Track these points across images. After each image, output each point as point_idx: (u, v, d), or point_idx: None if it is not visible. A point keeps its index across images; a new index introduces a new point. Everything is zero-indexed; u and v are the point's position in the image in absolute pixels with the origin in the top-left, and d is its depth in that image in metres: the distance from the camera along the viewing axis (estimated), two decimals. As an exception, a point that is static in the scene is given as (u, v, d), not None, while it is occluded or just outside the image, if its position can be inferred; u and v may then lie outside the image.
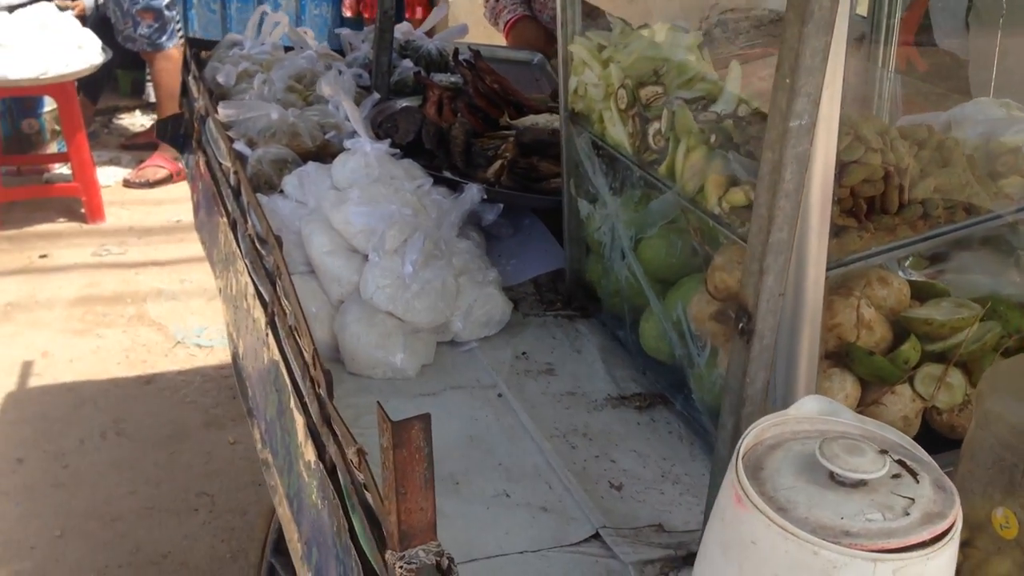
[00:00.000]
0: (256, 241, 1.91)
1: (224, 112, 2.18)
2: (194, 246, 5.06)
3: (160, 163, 5.58)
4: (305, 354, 1.58)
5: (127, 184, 5.58)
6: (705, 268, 1.61)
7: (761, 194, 1.15)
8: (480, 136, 2.37)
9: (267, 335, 1.84)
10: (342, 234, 1.82)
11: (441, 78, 2.71)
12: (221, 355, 4.20)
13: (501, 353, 1.83)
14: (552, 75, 3.05)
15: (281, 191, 2.06)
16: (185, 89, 2.73)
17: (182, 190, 5.64)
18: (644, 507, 1.46)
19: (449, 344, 1.85)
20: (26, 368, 3.99)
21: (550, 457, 1.56)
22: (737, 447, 1.06)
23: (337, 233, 1.83)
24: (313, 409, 1.52)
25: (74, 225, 5.18)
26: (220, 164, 2.25)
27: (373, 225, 1.79)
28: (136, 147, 6.03)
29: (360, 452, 1.30)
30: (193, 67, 2.58)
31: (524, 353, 1.84)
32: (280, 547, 2.37)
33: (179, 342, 4.26)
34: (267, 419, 1.89)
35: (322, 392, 1.50)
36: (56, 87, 4.98)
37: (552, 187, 2.10)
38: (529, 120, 2.40)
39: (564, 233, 2.00)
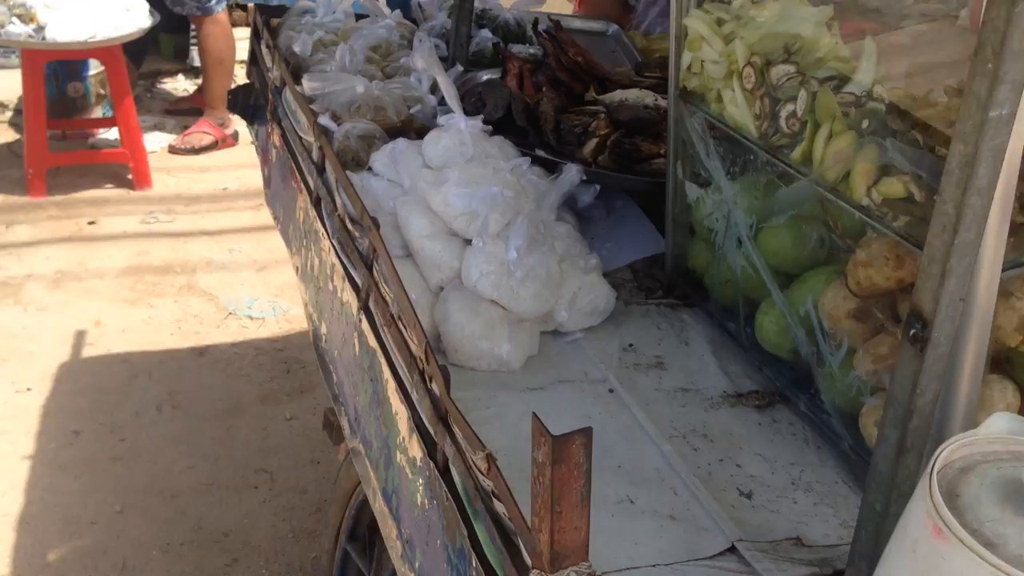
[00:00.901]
0: (347, 221, 1.83)
1: (308, 85, 2.08)
2: (242, 215, 5.03)
3: (205, 129, 5.50)
4: (413, 346, 1.49)
5: (172, 150, 5.51)
6: (839, 262, 1.51)
7: (947, 190, 1.05)
8: (565, 112, 2.26)
9: (359, 321, 1.76)
10: (441, 217, 1.73)
11: (520, 49, 2.61)
12: (273, 327, 4.15)
13: (607, 344, 1.74)
14: (629, 46, 2.94)
15: (369, 168, 1.97)
16: (254, 58, 2.64)
17: (228, 157, 5.58)
18: (778, 518, 1.37)
19: (552, 334, 1.76)
20: (79, 338, 3.94)
21: (672, 460, 1.47)
22: (929, 470, 0.97)
23: (436, 216, 1.73)
24: (423, 405, 1.44)
25: (121, 191, 5.11)
26: (300, 138, 2.16)
27: (474, 208, 1.70)
28: (180, 112, 5.95)
29: (490, 458, 1.22)
30: (266, 35, 2.49)
31: (631, 345, 1.75)
32: (355, 534, 2.31)
33: (231, 313, 4.20)
34: (357, 407, 1.82)
35: (435, 388, 1.42)
36: (104, 51, 4.90)
37: (653, 168, 2.00)
38: (618, 95, 2.29)
39: (666, 217, 1.90)
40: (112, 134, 5.33)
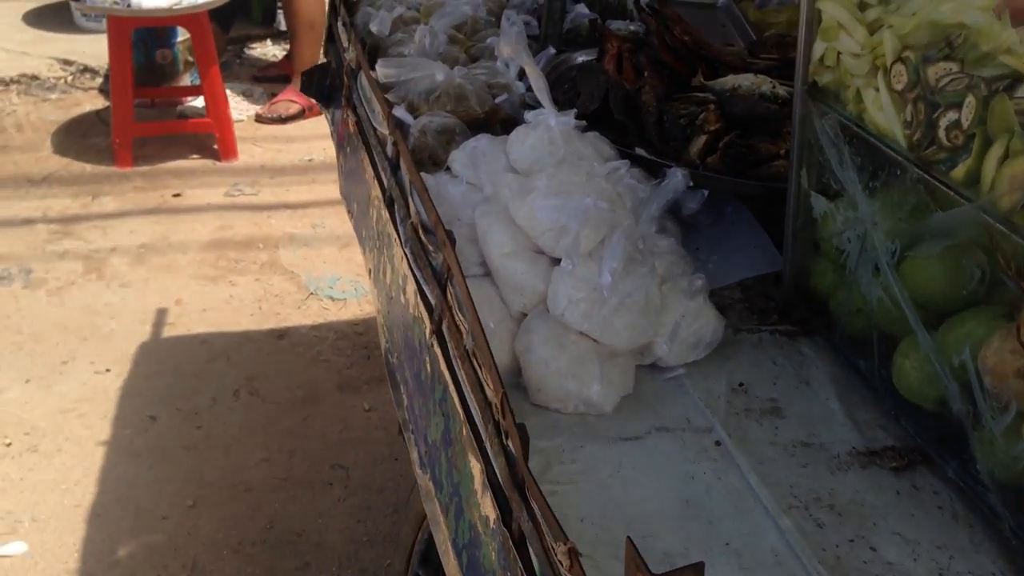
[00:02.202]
0: (420, 231, 1.62)
1: (383, 71, 1.87)
2: (326, 188, 4.87)
3: (292, 98, 5.35)
4: (488, 391, 1.28)
5: (259, 119, 5.39)
6: (1003, 303, 1.24)
7: None
8: (669, 99, 2.01)
9: (432, 345, 1.55)
10: (526, 231, 1.51)
11: (619, 26, 2.35)
12: (354, 309, 4.00)
13: (714, 383, 1.50)
14: (741, 20, 2.65)
15: (448, 168, 1.75)
16: (332, 35, 2.44)
17: (315, 126, 5.43)
18: (924, 622, 1.13)
19: (649, 369, 1.52)
20: (160, 317, 3.84)
21: (792, 539, 1.23)
22: None
23: (519, 230, 1.51)
24: (498, 462, 1.23)
25: (207, 162, 5.01)
26: (375, 130, 1.95)
27: (564, 223, 1.47)
28: (268, 79, 5.83)
29: (573, 553, 1.00)
30: (343, 11, 2.28)
31: (741, 384, 1.50)
32: (428, 558, 2.13)
33: (312, 293, 4.06)
34: (428, 441, 1.62)
35: (511, 446, 1.21)
36: (189, 17, 4.78)
37: (772, 172, 1.73)
38: (729, 81, 2.02)
39: (786, 230, 1.64)
40: (201, 102, 5.23)
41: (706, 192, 1.71)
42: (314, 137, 5.27)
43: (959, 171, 1.21)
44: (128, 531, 2.86)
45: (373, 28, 2.12)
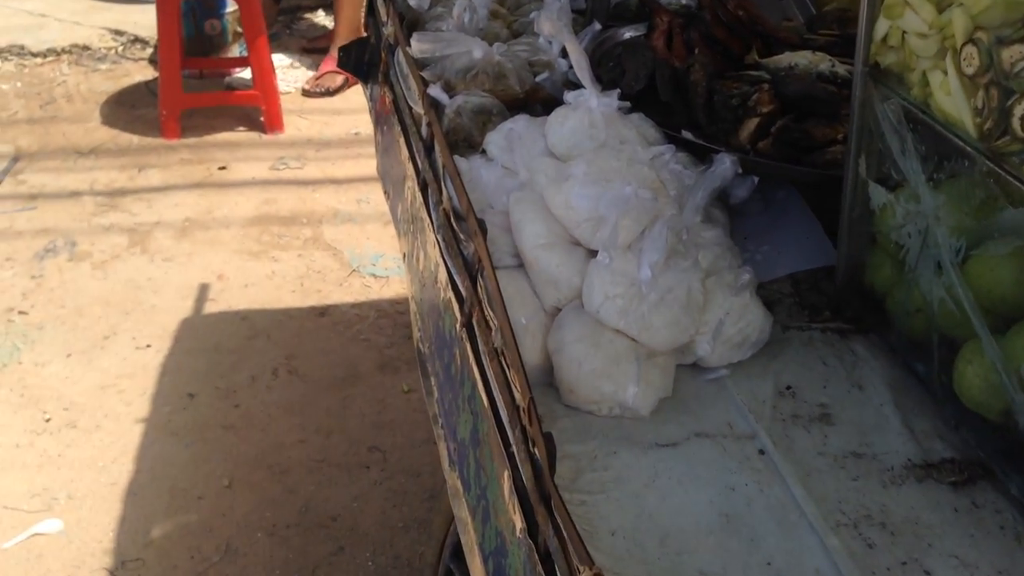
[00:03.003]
0: (452, 218, 1.54)
1: (418, 46, 1.79)
2: (372, 163, 4.74)
3: (333, 69, 5.29)
4: (516, 394, 1.20)
5: (305, 94, 5.33)
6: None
7: None
8: (721, 78, 1.90)
9: (462, 338, 1.48)
10: (562, 221, 1.42)
11: (670, 0, 2.23)
12: (396, 287, 3.94)
13: (759, 386, 1.41)
14: (801, -5, 2.51)
15: (483, 151, 1.67)
16: (372, 8, 2.36)
17: (362, 99, 5.36)
18: (982, 659, 1.04)
19: (690, 369, 1.43)
20: (202, 292, 3.82)
21: (839, 560, 1.14)
22: None
23: (555, 220, 1.42)
24: (525, 470, 1.15)
25: (253, 135, 4.97)
26: (410, 109, 1.87)
27: (603, 212, 1.38)
28: (317, 50, 5.76)
29: (598, 579, 0.93)
30: (380, -17, 2.20)
31: (789, 388, 1.41)
32: (459, 552, 2.06)
33: (354, 270, 4.01)
34: (457, 438, 1.55)
35: (537, 454, 1.13)
36: (238, -12, 4.73)
37: (828, 158, 1.63)
38: (785, 59, 1.91)
39: (841, 222, 1.54)
40: (247, 73, 5.19)
41: (756, 179, 1.61)
42: (362, 110, 5.16)
43: (1035, 165, 1.10)
44: (163, 511, 2.84)
45: (412, 2, 2.03)
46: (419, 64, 1.84)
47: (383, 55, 2.11)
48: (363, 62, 2.34)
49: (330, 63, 5.28)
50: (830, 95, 1.68)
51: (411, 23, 2.08)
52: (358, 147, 4.92)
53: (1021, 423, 1.18)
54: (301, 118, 5.14)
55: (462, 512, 1.51)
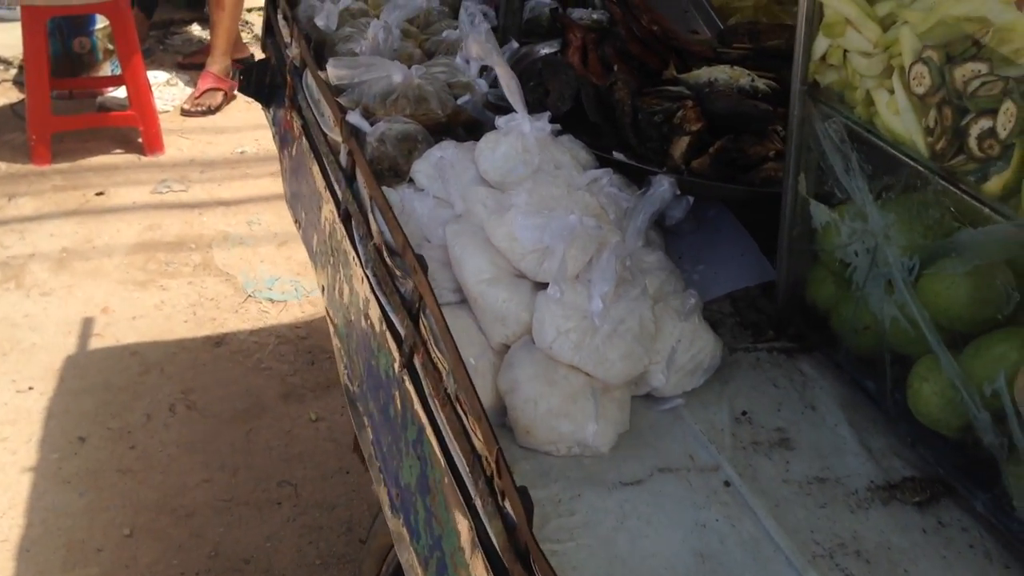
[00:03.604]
0: (385, 253, 1.46)
1: (334, 72, 1.70)
2: (260, 183, 4.66)
3: (212, 85, 5.11)
4: (477, 443, 1.14)
5: (184, 114, 5.13)
6: (1038, 326, 1.14)
7: None
8: (640, 95, 1.87)
9: (402, 380, 1.40)
10: (505, 254, 1.36)
11: (582, 15, 2.20)
12: (295, 312, 3.81)
13: (715, 414, 1.37)
14: (704, 5, 2.52)
15: (410, 180, 1.60)
16: (270, 28, 2.25)
17: (246, 116, 5.19)
18: None
19: (644, 400, 1.39)
20: (86, 327, 3.61)
21: (821, 595, 1.12)
22: None
23: (498, 253, 1.36)
24: (494, 526, 1.09)
25: (131, 157, 4.75)
26: (325, 135, 1.78)
27: (548, 243, 1.33)
28: (194, 66, 5.56)
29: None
30: (282, 2, 2.10)
31: (744, 413, 1.38)
32: (395, 593, 1.98)
33: (249, 296, 3.86)
34: (400, 484, 1.47)
35: (509, 508, 1.07)
36: (108, 4, 4.51)
37: (763, 176, 1.61)
38: (704, 74, 1.90)
39: (780, 241, 1.52)
40: (122, 92, 4.96)
41: (691, 199, 1.59)
42: (246, 127, 5.04)
43: (994, 184, 1.10)
44: (60, 566, 2.66)
45: (319, 23, 1.94)
46: (334, 89, 1.75)
47: (288, 78, 2.02)
48: (264, 84, 2.23)
49: (209, 79, 5.10)
50: (761, 112, 1.67)
51: (319, 44, 1.99)
52: (244, 167, 4.76)
53: (985, 439, 1.18)
54: (182, 138, 4.94)
55: (411, 561, 1.43)
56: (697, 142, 1.66)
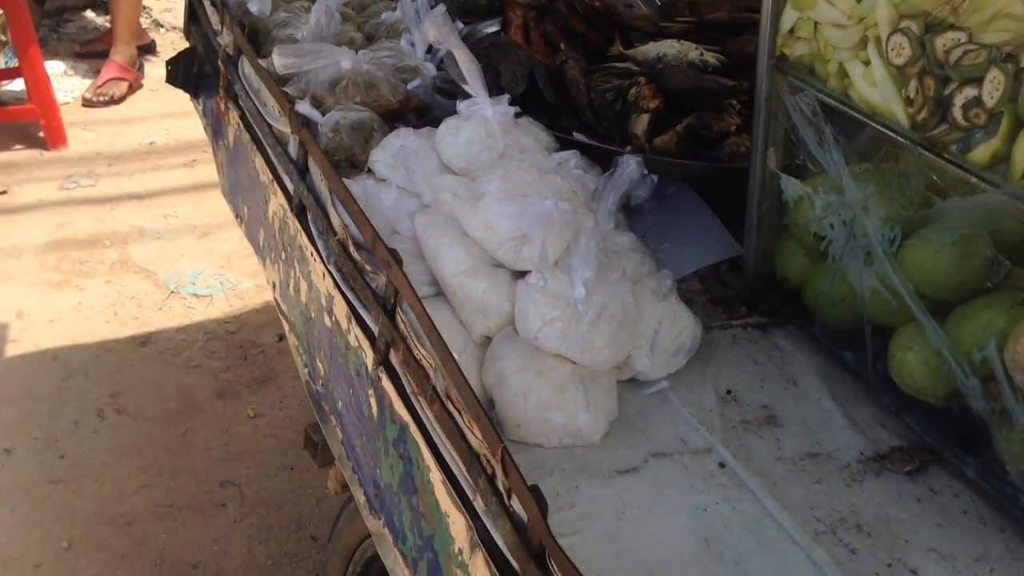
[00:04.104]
0: (352, 248, 1.41)
1: (281, 62, 1.63)
2: (174, 174, 4.50)
3: (116, 75, 4.90)
4: (474, 441, 1.10)
5: (87, 104, 4.92)
6: (1022, 291, 1.15)
7: None
8: (588, 73, 1.84)
9: (378, 377, 1.36)
10: (481, 243, 1.32)
11: (519, -8, 2.16)
12: (223, 306, 3.69)
13: (700, 394, 1.36)
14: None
15: (369, 170, 1.54)
16: (194, 14, 2.16)
17: (151, 105, 5.01)
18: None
19: (629, 385, 1.37)
20: (1, 333, 3.45)
21: (829, 571, 1.12)
22: None
23: (473, 242, 1.32)
24: (500, 527, 1.06)
25: (33, 153, 4.54)
26: (270, 126, 1.71)
27: (525, 230, 1.29)
28: (92, 55, 5.32)
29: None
30: (209, -12, 2.01)
31: (729, 392, 1.37)
32: (364, 591, 1.94)
33: (173, 292, 3.73)
34: (379, 484, 1.43)
35: (516, 507, 1.04)
36: (-1, -7, 4.28)
37: (728, 152, 1.60)
38: (652, 50, 1.88)
39: (749, 215, 1.52)
40: (18, 85, 4.72)
41: (656, 178, 1.57)
42: (153, 117, 4.86)
43: (981, 153, 1.10)
44: (-3, 586, 2.54)
45: (252, 8, 1.86)
46: (278, 78, 1.68)
47: (221, 67, 1.93)
48: (192, 74, 2.13)
49: (113, 68, 4.90)
50: (720, 86, 1.65)
51: (252, 31, 1.91)
52: (155, 158, 4.59)
53: (974, 406, 1.19)
54: (86, 130, 4.73)
55: (395, 562, 1.39)
56: (658, 120, 1.64)
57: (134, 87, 4.98)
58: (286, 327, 1.80)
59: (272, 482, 2.92)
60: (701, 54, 1.84)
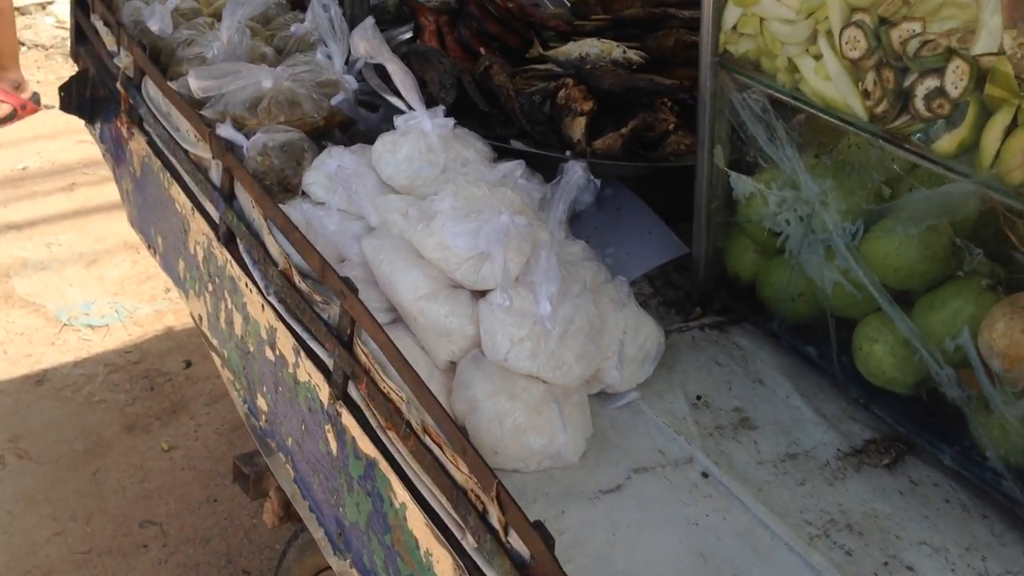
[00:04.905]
0: (297, 278, 1.33)
1: (198, 85, 1.52)
2: (53, 200, 4.27)
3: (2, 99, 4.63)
4: (458, 476, 1.05)
5: (-46, 128, 4.62)
6: (979, 274, 1.16)
7: None
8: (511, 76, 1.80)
9: (337, 412, 1.29)
10: (438, 264, 1.26)
11: (428, -3, 2.09)
12: (121, 335, 3.52)
13: (671, 402, 1.34)
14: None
15: (303, 193, 1.46)
16: (81, 34, 2.02)
17: (21, 128, 4.74)
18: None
19: (598, 399, 1.34)
20: None
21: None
22: None
23: (429, 264, 1.26)
24: (498, 564, 1.01)
25: None
26: (186, 152, 1.61)
27: (484, 248, 1.24)
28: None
29: None
30: (99, 6, 1.88)
31: (699, 397, 1.35)
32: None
33: (65, 324, 3.53)
34: (343, 523, 1.36)
35: (514, 543, 0.99)
36: None
37: (670, 151, 1.57)
38: (574, 50, 1.84)
39: (697, 214, 1.50)
40: None
41: (599, 182, 1.53)
42: (24, 140, 4.60)
43: (947, 143, 1.10)
44: (-94, 659, 2.36)
45: (153, 27, 1.74)
46: (192, 101, 1.58)
47: (122, 90, 1.81)
48: (85, 99, 2.00)
49: (-1, 93, 4.62)
50: (657, 86, 1.62)
51: (154, 50, 1.79)
52: (30, 184, 4.35)
53: (949, 394, 1.20)
54: (-49, 158, 4.46)
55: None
56: (594, 122, 1.60)
57: (20, 114, 4.69)
58: (218, 361, 1.70)
59: (195, 517, 2.79)
60: (624, 52, 1.81)
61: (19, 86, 4.70)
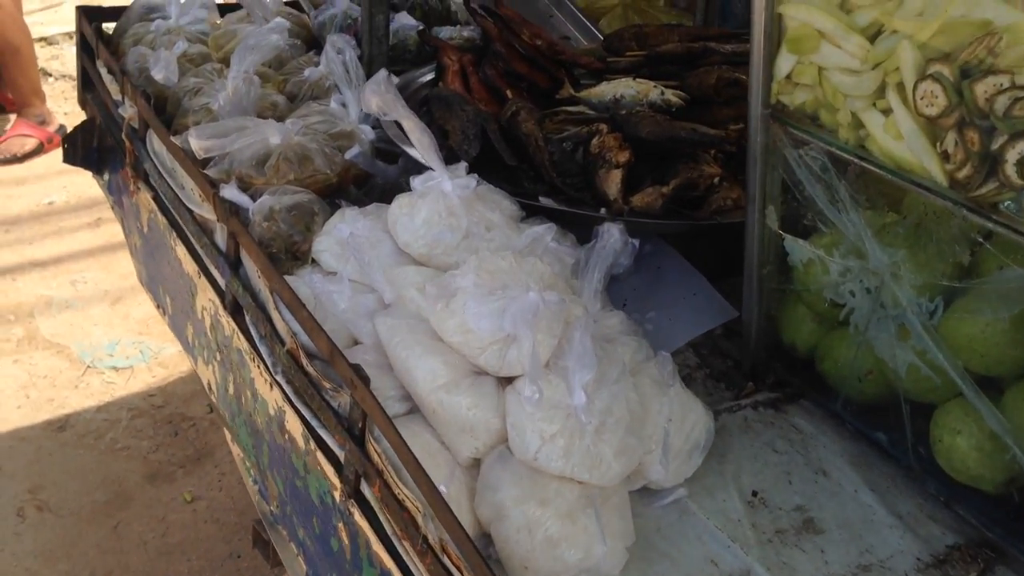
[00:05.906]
0: (305, 361, 1.20)
1: (200, 145, 1.40)
2: (79, 236, 4.19)
3: (25, 131, 4.58)
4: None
5: (-17, 161, 4.58)
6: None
7: None
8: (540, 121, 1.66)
9: (347, 510, 1.15)
10: (459, 349, 1.12)
11: (450, 34, 1.97)
12: (145, 377, 3.42)
13: (723, 500, 1.18)
14: (571, 7, 2.33)
15: (313, 261, 1.33)
16: (88, 81, 1.92)
17: (47, 162, 4.68)
18: None
19: (639, 495, 1.19)
20: (-103, 430, 3.13)
21: None
22: None
23: (449, 349, 1.13)
24: None
25: (-81, 221, 4.20)
26: (192, 213, 1.49)
27: (511, 330, 1.10)
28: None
29: None
30: (103, 52, 1.77)
31: (755, 493, 1.20)
32: None
33: (89, 366, 3.44)
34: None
35: None
36: None
37: (715, 208, 1.43)
38: (608, 91, 1.70)
39: (747, 279, 1.35)
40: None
41: (638, 242, 1.39)
42: (50, 175, 4.54)
43: (1047, 217, 0.95)
44: None
45: (157, 75, 1.63)
46: (200, 162, 1.45)
47: (127, 142, 1.70)
48: (92, 149, 1.89)
49: (18, 125, 4.58)
50: (700, 136, 1.47)
51: (160, 100, 1.68)
52: (56, 219, 4.28)
53: (1044, 498, 1.04)
54: (-25, 194, 4.40)
55: None
56: (628, 176, 1.46)
57: (47, 147, 4.64)
58: (228, 436, 1.58)
59: (219, 573, 2.67)
60: (662, 93, 1.67)
61: (44, 120, 4.65)
